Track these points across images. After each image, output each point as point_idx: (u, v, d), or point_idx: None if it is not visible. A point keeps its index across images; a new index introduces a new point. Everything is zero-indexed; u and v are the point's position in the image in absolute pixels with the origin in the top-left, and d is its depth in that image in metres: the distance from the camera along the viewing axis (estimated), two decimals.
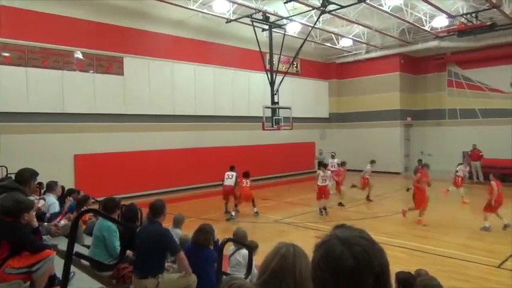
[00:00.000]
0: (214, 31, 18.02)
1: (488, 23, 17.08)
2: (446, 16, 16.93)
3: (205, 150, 17.85)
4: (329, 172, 12.71)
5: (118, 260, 4.50)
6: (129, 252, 4.93)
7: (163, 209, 4.68)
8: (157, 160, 16.13)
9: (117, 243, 5.00)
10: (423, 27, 18.24)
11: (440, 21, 17.85)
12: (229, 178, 11.94)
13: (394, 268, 3.48)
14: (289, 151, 21.41)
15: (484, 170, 18.29)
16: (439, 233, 9.69)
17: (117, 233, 5.07)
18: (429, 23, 18.09)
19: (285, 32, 17.00)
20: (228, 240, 5.00)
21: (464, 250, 8.14)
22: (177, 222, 6.46)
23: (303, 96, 22.58)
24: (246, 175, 11.84)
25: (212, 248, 4.83)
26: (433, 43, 19.96)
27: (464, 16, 17.03)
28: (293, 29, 18.67)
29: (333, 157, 16.82)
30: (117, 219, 5.44)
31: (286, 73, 17.30)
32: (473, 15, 16.92)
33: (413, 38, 20.76)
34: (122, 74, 15.39)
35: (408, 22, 17.55)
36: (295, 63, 21.16)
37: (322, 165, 13.19)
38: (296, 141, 21.71)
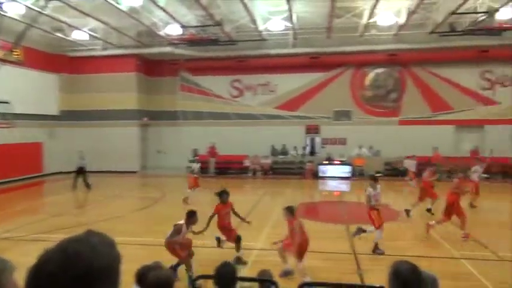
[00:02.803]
0: None
1: (213, 38, 19.61)
2: (180, 25, 18.37)
3: None
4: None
5: None
6: None
7: None
8: None
9: None
10: (158, 32, 19.16)
11: (174, 29, 19.16)
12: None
13: (134, 265, 3.45)
14: (9, 153, 18.10)
15: (217, 166, 21.66)
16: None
17: None
18: (164, 29, 19.16)
19: (2, 11, 14.25)
20: None
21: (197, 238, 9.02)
22: None
23: (27, 89, 19.45)
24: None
25: None
26: (168, 49, 21.28)
27: (194, 28, 18.96)
28: (15, 9, 15.86)
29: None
30: None
31: (4, 61, 14.53)
32: (202, 28, 19.06)
33: (150, 42, 21.49)
34: None
35: (145, 25, 18.02)
36: (16, 50, 18.08)
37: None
38: (18, 141, 18.61)
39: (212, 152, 21.61)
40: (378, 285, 3.45)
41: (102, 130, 22.35)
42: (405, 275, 2.09)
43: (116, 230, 9.45)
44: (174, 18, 17.14)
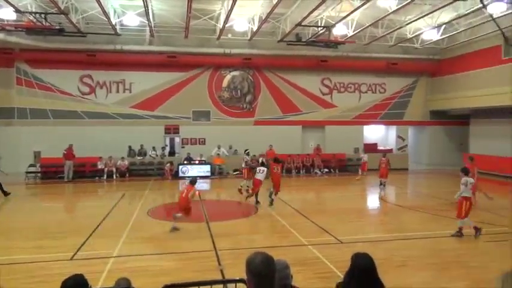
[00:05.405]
0: None
1: (57, 27, 17.58)
2: (14, 10, 15.92)
3: None
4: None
5: None
6: None
7: None
8: None
9: None
10: None
11: (8, 14, 16.53)
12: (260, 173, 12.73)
13: None
14: None
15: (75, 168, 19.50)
16: (9, 240, 8.95)
17: None
18: None
19: None
20: None
21: (38, 252, 7.95)
22: None
23: None
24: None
25: None
26: None
27: (33, 14, 16.67)
28: None
29: None
30: None
31: None
32: (43, 16, 16.88)
33: None
34: None
35: None
36: None
37: None
38: None
39: (69, 154, 19.16)
40: (237, 278, 3.54)
41: None
42: (257, 265, 2.20)
43: None
44: (7, 1, 14.77)
